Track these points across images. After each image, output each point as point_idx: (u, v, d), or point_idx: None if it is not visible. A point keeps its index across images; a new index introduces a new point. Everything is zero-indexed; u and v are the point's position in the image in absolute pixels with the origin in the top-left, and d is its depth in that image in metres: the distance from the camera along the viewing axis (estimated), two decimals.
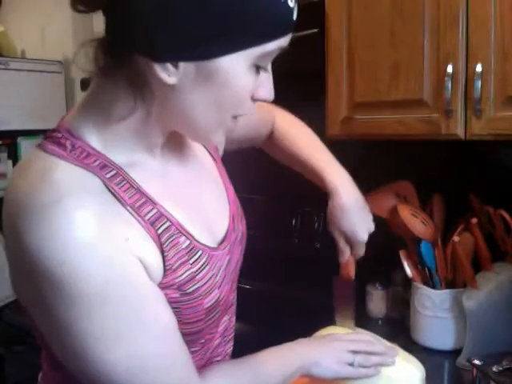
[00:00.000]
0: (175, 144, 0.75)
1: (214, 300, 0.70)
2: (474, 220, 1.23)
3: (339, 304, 1.04)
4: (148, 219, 0.63)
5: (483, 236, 1.24)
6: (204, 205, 0.76)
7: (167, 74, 0.59)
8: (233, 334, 0.85)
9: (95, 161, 0.62)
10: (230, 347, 0.85)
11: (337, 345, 0.85)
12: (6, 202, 0.59)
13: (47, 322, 0.60)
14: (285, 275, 1.73)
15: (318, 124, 1.44)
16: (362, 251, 0.99)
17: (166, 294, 0.64)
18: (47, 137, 0.65)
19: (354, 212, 0.96)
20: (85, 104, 0.66)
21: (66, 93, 2.46)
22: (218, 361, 0.81)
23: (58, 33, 2.45)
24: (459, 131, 1.15)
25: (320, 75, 1.36)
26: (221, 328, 0.80)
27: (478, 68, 1.09)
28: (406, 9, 1.20)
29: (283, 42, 0.62)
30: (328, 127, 1.38)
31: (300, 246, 1.72)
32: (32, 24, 2.56)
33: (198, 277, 0.67)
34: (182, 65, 0.59)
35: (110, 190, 0.61)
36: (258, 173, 1.88)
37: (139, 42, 0.58)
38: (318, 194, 1.74)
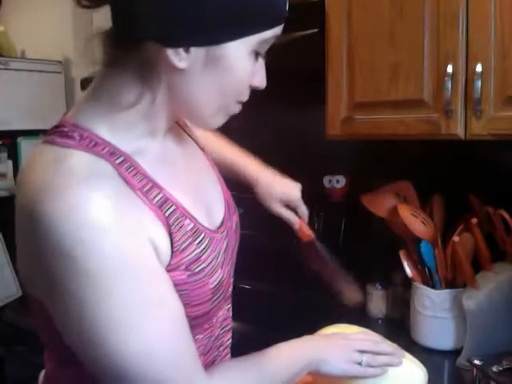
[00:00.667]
0: (172, 132, 0.79)
1: (218, 280, 0.72)
2: (474, 220, 1.23)
3: (320, 266, 1.10)
4: (156, 203, 0.66)
5: (483, 236, 1.24)
6: (203, 191, 0.79)
7: (178, 58, 0.62)
8: (231, 325, 0.86)
9: (103, 148, 0.64)
10: (228, 339, 0.85)
11: (345, 344, 0.86)
12: (20, 194, 0.61)
13: (61, 308, 0.60)
14: (285, 275, 1.73)
15: (318, 124, 1.45)
16: (304, 209, 1.09)
17: (174, 277, 0.65)
18: (52, 132, 0.66)
19: (277, 182, 1.07)
20: (90, 96, 0.68)
21: (66, 93, 2.46)
22: (219, 352, 0.82)
23: (57, 33, 2.45)
24: (459, 131, 1.15)
25: (320, 75, 1.36)
26: (220, 318, 0.81)
27: (478, 68, 1.09)
28: (406, 9, 1.20)
29: (278, 30, 0.68)
30: (328, 127, 1.38)
31: (300, 245, 1.72)
32: (32, 24, 2.56)
33: (202, 257, 0.70)
34: (192, 50, 0.62)
35: (119, 175, 0.63)
36: None
37: (151, 29, 0.61)
38: (318, 194, 1.74)
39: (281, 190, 1.06)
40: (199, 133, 0.89)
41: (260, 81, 0.72)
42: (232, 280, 0.85)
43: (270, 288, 1.72)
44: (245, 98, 0.72)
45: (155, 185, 0.67)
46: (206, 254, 0.71)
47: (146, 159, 0.68)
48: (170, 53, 0.62)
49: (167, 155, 0.74)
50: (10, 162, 2.29)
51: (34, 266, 0.61)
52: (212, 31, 0.62)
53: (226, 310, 0.83)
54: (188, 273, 0.67)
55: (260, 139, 1.91)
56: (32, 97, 2.29)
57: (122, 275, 0.58)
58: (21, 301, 1.98)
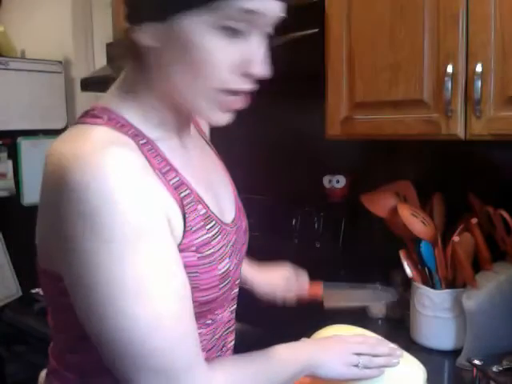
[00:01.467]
0: (192, 134, 0.82)
1: (226, 267, 0.74)
2: (474, 220, 1.23)
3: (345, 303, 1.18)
4: (172, 184, 0.68)
5: (483, 236, 1.24)
6: (216, 188, 0.81)
7: (141, 37, 0.65)
8: (234, 327, 0.86)
9: (128, 130, 0.67)
10: (231, 340, 0.86)
11: (342, 347, 0.86)
12: (49, 162, 0.63)
13: (75, 274, 0.61)
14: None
15: (318, 124, 1.45)
16: (302, 272, 1.17)
17: (185, 258, 0.67)
18: (83, 115, 0.70)
19: (268, 273, 1.15)
20: (116, 85, 0.73)
21: (66, 93, 2.46)
22: (221, 352, 0.82)
23: (57, 33, 2.45)
24: (459, 131, 1.15)
25: (320, 75, 1.36)
26: (225, 318, 0.81)
27: (478, 68, 1.09)
28: (406, 9, 1.20)
29: (249, 2, 0.62)
30: (328, 127, 1.38)
31: (300, 245, 1.72)
32: (32, 24, 2.56)
33: (212, 242, 0.72)
34: (150, 27, 0.64)
35: (142, 153, 0.66)
36: (258, 173, 1.88)
37: (126, 13, 0.66)
38: (317, 194, 1.74)
39: (275, 277, 1.13)
40: None
41: (257, 68, 0.66)
42: (237, 285, 0.85)
43: None
44: (234, 85, 0.66)
45: (173, 168, 0.69)
46: (215, 241, 0.73)
47: (165, 146, 0.71)
48: (136, 32, 0.65)
49: (185, 150, 0.77)
50: (10, 162, 2.29)
51: (53, 232, 0.63)
52: (159, 6, 0.63)
53: (230, 312, 0.84)
54: (198, 255, 0.69)
55: (260, 139, 1.91)
56: (32, 97, 2.29)
57: (140, 239, 0.60)
58: (21, 301, 1.98)
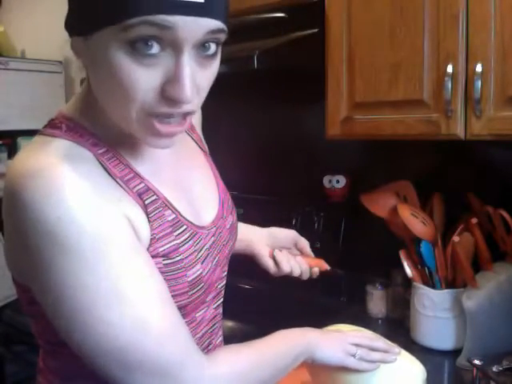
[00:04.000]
0: None
1: (196, 274, 0.72)
2: (474, 220, 1.23)
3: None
4: (136, 191, 0.67)
5: (483, 236, 1.24)
6: (191, 188, 0.79)
7: (74, 51, 0.64)
8: (220, 325, 0.86)
9: (88, 140, 0.66)
10: (218, 338, 0.85)
11: (341, 336, 0.88)
12: (6, 178, 0.61)
13: (46, 289, 0.60)
14: (285, 275, 1.73)
15: (318, 124, 1.45)
16: (304, 241, 1.14)
17: None
18: (46, 124, 0.69)
19: (270, 232, 1.13)
20: (79, 92, 0.72)
21: (66, 93, 2.46)
22: (208, 350, 0.81)
23: (57, 33, 2.44)
24: (459, 131, 1.15)
25: (320, 75, 1.37)
26: (207, 316, 0.80)
27: (478, 68, 1.09)
28: (406, 9, 1.20)
29: (157, 18, 0.55)
30: (328, 127, 1.38)
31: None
32: (32, 24, 2.56)
33: (181, 249, 0.70)
34: (77, 43, 0.62)
35: (101, 164, 0.65)
36: (259, 173, 1.88)
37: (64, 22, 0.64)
38: (317, 194, 1.75)
39: (284, 241, 1.12)
40: None
41: (173, 91, 0.58)
42: (222, 279, 0.84)
43: (270, 288, 1.72)
44: (158, 109, 0.60)
45: (137, 175, 0.68)
46: (185, 247, 0.70)
47: (129, 153, 0.69)
48: (71, 45, 0.63)
49: (153, 152, 0.73)
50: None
51: (18, 248, 0.62)
52: (78, 21, 0.60)
53: (213, 309, 0.82)
54: (164, 262, 0.67)
55: (260, 139, 1.91)
56: (32, 97, 2.29)
57: (100, 249, 0.59)
58: None
